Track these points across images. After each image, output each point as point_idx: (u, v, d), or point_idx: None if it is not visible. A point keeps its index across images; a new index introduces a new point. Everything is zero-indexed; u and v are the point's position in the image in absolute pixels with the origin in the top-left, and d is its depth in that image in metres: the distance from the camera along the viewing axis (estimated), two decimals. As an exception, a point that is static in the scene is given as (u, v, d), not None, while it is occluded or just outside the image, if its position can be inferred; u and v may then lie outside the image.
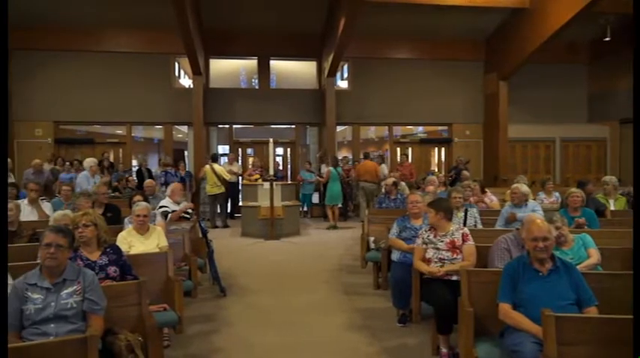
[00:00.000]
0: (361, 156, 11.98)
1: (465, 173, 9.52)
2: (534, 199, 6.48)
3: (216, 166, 10.58)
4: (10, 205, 4.69)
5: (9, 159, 9.14)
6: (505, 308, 2.88)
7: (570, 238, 3.80)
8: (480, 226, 5.31)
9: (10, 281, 3.01)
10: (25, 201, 5.90)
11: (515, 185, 5.73)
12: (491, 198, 6.83)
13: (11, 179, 8.70)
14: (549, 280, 2.88)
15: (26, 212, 5.66)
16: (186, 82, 13.66)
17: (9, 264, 3.24)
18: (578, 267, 3.19)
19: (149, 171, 10.86)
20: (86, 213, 3.54)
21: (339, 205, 10.99)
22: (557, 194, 6.99)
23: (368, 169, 11.03)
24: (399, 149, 13.82)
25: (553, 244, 2.98)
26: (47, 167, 10.09)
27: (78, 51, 11.76)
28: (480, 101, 13.28)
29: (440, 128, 14.24)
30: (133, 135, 12.98)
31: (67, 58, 11.77)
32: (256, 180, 10.42)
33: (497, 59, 12.52)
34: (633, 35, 3.06)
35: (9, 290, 2.69)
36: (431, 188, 6.62)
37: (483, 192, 6.90)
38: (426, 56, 13.02)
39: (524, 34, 11.21)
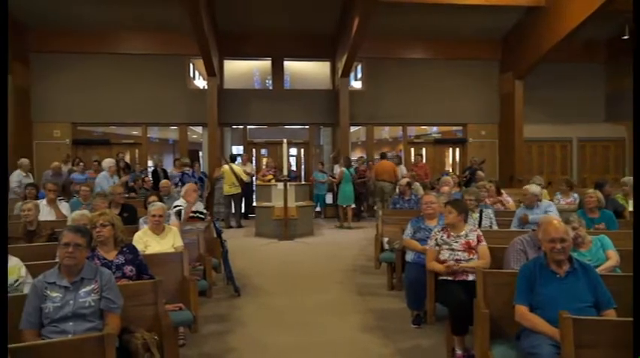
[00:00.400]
0: (377, 156, 11.95)
1: (480, 173, 9.44)
2: (551, 200, 6.41)
3: (234, 166, 10.66)
4: (29, 205, 4.78)
5: (27, 160, 9.27)
6: (522, 310, 2.84)
7: (588, 239, 3.75)
8: (495, 227, 5.26)
9: (29, 279, 3.06)
10: (44, 201, 6.01)
11: (525, 186, 5.67)
12: (507, 200, 6.75)
13: (30, 179, 8.86)
14: (566, 282, 2.84)
15: (45, 212, 5.77)
16: (200, 83, 13.75)
17: (28, 263, 3.31)
18: (596, 269, 3.14)
19: (164, 171, 10.96)
20: (103, 213, 3.58)
21: (353, 206, 11.00)
22: (575, 195, 6.90)
23: (386, 169, 11.03)
24: (412, 149, 13.76)
25: (571, 245, 2.94)
26: (65, 168, 10.25)
27: (95, 53, 11.94)
28: (496, 101, 13.15)
29: (454, 128, 14.14)
30: (148, 135, 13.12)
31: (84, 60, 11.94)
32: (270, 180, 10.46)
33: (512, 58, 12.39)
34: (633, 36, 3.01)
35: (29, 289, 2.74)
36: (446, 189, 6.58)
37: (499, 193, 6.83)
38: (440, 56, 12.94)
39: (541, 33, 11.08)
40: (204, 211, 6.34)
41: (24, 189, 7.35)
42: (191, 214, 6.05)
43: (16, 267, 3.20)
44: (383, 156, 11.55)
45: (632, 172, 4.09)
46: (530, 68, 11.87)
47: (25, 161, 9.12)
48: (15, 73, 11.04)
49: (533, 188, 5.53)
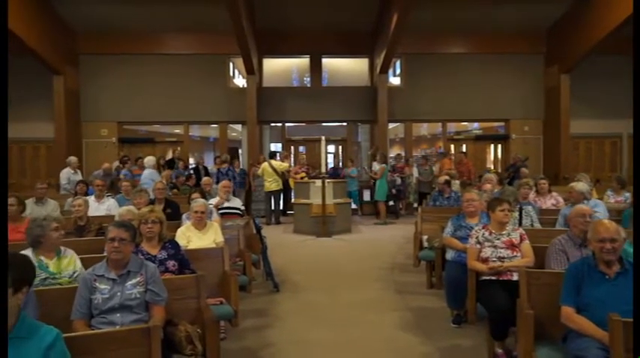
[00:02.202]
0: (438, 152, 12.17)
1: (524, 170, 9.18)
2: (600, 198, 6.15)
3: (273, 162, 10.79)
4: (79, 201, 5.00)
5: (75, 158, 9.66)
6: (568, 312, 2.74)
7: None
8: (537, 225, 5.07)
9: (83, 270, 3.20)
10: (93, 197, 6.26)
11: (572, 183, 5.45)
12: (558, 200, 6.47)
13: (78, 176, 9.25)
14: (616, 283, 2.73)
15: (93, 208, 5.99)
16: (240, 81, 13.97)
17: (80, 256, 3.45)
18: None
19: (205, 168, 11.21)
20: (153, 210, 3.71)
21: (390, 203, 10.94)
22: (627, 194, 6.60)
23: (465, 166, 11.17)
24: (452, 146, 13.51)
25: (622, 246, 2.81)
26: (114, 166, 10.66)
27: (138, 54, 12.35)
28: (540, 95, 12.74)
29: (496, 124, 13.78)
30: (189, 134, 13.45)
31: (129, 62, 12.36)
32: (302, 178, 10.50)
33: (558, 51, 11.95)
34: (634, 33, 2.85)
35: (80, 283, 2.87)
36: (488, 186, 6.38)
37: (549, 191, 6.58)
38: (481, 50, 12.64)
39: (589, 24, 10.61)
40: (241, 208, 6.47)
41: (74, 186, 7.69)
42: (228, 211, 6.19)
43: (72, 258, 3.35)
44: (463, 152, 11.78)
45: (633, 172, 3.90)
46: (577, 61, 11.41)
47: (73, 159, 9.52)
48: (66, 76, 11.57)
49: (580, 185, 5.32)
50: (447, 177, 7.37)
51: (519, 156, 11.21)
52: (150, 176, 8.57)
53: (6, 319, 1.81)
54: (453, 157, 12.12)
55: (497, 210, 3.95)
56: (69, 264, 3.31)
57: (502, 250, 3.80)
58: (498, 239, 3.86)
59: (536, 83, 12.71)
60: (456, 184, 8.08)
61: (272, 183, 10.63)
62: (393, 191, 11.18)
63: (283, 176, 10.77)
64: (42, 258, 3.22)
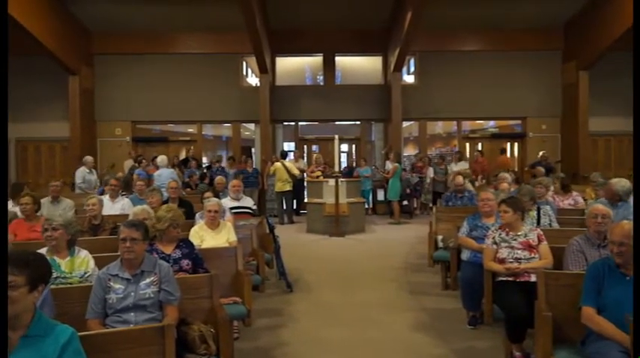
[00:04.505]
0: (476, 152, 12.28)
1: (540, 169, 9.06)
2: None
3: (286, 162, 10.79)
4: (93, 200, 5.05)
5: (91, 157, 9.77)
6: (589, 313, 2.70)
7: None
8: (555, 225, 4.99)
9: (96, 272, 3.23)
10: (107, 196, 6.31)
11: (613, 179, 5.21)
12: (577, 200, 6.35)
13: (93, 176, 9.37)
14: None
15: (107, 206, 6.03)
16: (253, 80, 14.01)
17: (93, 255, 3.49)
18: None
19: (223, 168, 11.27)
20: (172, 208, 3.74)
21: (405, 202, 10.89)
22: None
23: (506, 163, 11.25)
24: (468, 145, 13.40)
25: (630, 250, 2.75)
26: (128, 164, 10.76)
27: (152, 54, 12.47)
28: (558, 93, 12.57)
29: (513, 122, 13.63)
30: (203, 133, 13.54)
31: (143, 61, 12.48)
32: (318, 177, 10.48)
33: (576, 47, 11.77)
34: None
35: (94, 282, 2.90)
36: (505, 186, 6.29)
37: (567, 191, 6.48)
38: (497, 47, 12.52)
39: (608, 19, 10.43)
40: (253, 207, 6.48)
41: (90, 185, 7.75)
42: (239, 210, 6.21)
43: (85, 259, 3.38)
44: (503, 151, 11.83)
45: (633, 172, 3.79)
46: (596, 57, 11.22)
47: (89, 158, 9.64)
48: (81, 76, 11.73)
49: (621, 183, 4.97)
50: (464, 177, 7.18)
51: (546, 155, 11.11)
52: (170, 175, 8.62)
53: (6, 318, 1.82)
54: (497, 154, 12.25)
55: (501, 211, 3.95)
56: (82, 264, 3.34)
57: (519, 251, 3.75)
58: (515, 240, 3.81)
59: (554, 80, 12.54)
60: (469, 185, 7.93)
61: (285, 184, 10.62)
62: (407, 190, 11.11)
63: (294, 178, 10.76)
64: (55, 257, 3.26)
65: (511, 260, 3.74)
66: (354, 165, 12.84)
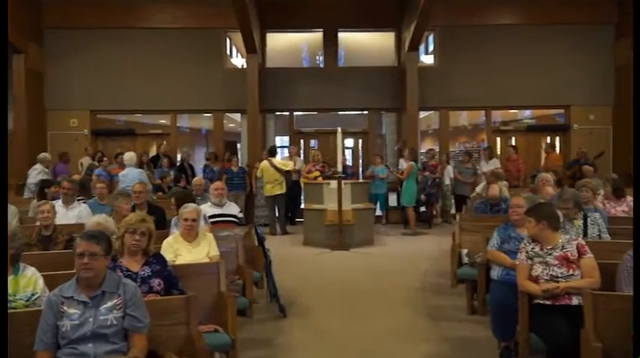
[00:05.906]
0: (481, 146, 12.42)
1: (587, 168, 9.06)
2: None
3: (274, 160, 10.75)
4: (47, 206, 5.04)
5: (48, 155, 9.79)
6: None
7: None
8: (606, 236, 4.99)
9: (46, 293, 3.22)
10: (59, 201, 6.25)
11: None
12: (632, 206, 6.33)
13: (48, 176, 9.37)
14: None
15: (60, 214, 5.96)
16: (239, 61, 14.03)
17: (44, 273, 3.48)
18: None
19: (191, 166, 11.27)
20: (144, 219, 3.72)
21: (422, 208, 10.92)
22: None
23: (557, 162, 11.48)
24: (498, 139, 13.42)
25: None
26: (86, 162, 10.75)
27: (116, 28, 12.43)
28: (610, 76, 12.60)
29: (553, 112, 13.65)
30: (178, 125, 13.54)
31: (106, 38, 12.47)
32: (316, 178, 10.46)
33: (633, 20, 11.79)
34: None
35: (44, 306, 2.89)
36: (549, 189, 6.22)
37: (621, 195, 6.46)
38: (534, 21, 12.57)
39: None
40: (239, 215, 6.48)
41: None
42: (223, 218, 6.21)
43: (32, 278, 3.37)
44: (552, 147, 12.19)
45: (633, 172, 3.82)
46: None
47: (46, 155, 9.70)
48: (28, 54, 11.64)
49: None
50: (501, 188, 6.99)
51: (584, 151, 11.09)
52: (138, 176, 8.61)
53: (6, 318, 1.83)
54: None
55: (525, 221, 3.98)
56: (28, 284, 3.33)
57: (555, 268, 3.73)
58: (550, 254, 3.79)
59: (605, 61, 12.58)
60: (504, 190, 7.79)
61: (274, 187, 10.59)
62: (422, 197, 10.99)
63: (287, 177, 10.72)
64: None
65: (546, 277, 3.73)
66: (361, 162, 12.84)
